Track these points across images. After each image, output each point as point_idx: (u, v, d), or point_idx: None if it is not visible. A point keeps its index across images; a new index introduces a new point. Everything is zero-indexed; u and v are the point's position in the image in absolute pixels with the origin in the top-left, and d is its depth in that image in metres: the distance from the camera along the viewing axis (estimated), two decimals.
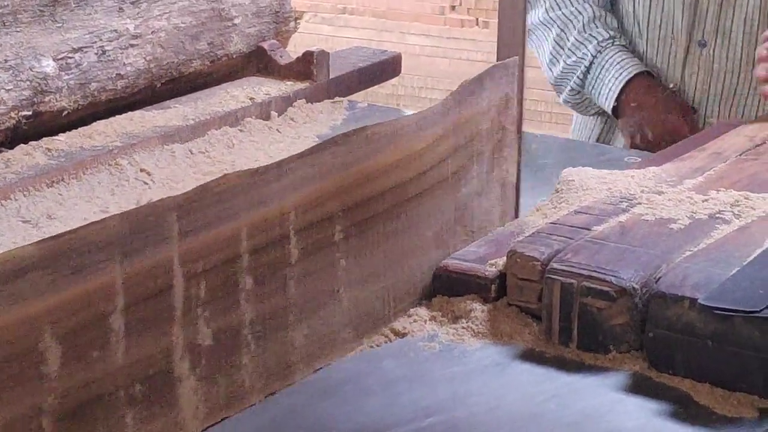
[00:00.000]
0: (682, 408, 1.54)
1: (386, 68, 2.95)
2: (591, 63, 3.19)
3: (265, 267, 1.58)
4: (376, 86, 3.08)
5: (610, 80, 3.12)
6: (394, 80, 3.19)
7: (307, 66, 2.64)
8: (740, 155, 2.22)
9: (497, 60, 2.14)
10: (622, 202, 1.94)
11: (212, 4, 2.57)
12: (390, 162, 1.84)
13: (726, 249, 1.74)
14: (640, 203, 1.92)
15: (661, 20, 3.17)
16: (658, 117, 3.08)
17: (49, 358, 1.20)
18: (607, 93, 3.14)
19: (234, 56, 2.66)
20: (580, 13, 3.20)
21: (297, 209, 1.61)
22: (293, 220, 1.64)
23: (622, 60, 3.15)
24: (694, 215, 1.86)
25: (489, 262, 1.87)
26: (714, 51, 3.12)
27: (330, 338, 1.73)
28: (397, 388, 1.61)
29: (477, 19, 7.49)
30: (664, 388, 1.58)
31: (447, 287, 1.87)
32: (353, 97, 2.83)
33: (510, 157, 2.26)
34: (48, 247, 1.17)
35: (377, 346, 1.73)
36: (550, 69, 3.31)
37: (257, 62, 2.69)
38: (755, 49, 2.96)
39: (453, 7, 7.61)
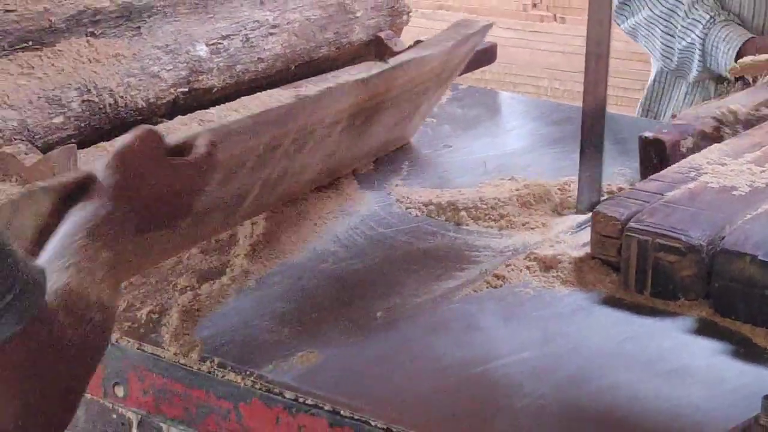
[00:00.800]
0: (743, 348, 1.66)
1: (484, 56, 3.02)
2: (702, 47, 3.22)
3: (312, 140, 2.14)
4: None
5: (722, 57, 3.14)
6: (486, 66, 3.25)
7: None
8: None
9: (586, 50, 2.27)
10: (690, 171, 2.04)
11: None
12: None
13: None
14: (706, 173, 2.03)
15: None
16: None
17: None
18: (724, 66, 3.13)
19: (355, 44, 2.74)
20: (679, 2, 3.25)
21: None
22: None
23: (727, 35, 3.15)
24: (753, 183, 1.96)
25: None
26: None
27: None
28: (497, 327, 1.75)
29: (555, 15, 7.85)
30: (726, 331, 1.71)
31: None
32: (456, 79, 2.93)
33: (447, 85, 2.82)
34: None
35: (480, 290, 1.84)
36: (668, 59, 3.36)
37: (375, 49, 2.76)
38: None
39: (534, 5, 7.84)
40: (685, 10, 3.25)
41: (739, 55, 3.06)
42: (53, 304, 1.31)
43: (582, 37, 2.43)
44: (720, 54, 3.15)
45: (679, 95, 3.49)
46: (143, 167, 1.55)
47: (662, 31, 3.32)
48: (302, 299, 1.86)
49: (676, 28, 3.28)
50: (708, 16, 3.20)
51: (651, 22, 3.33)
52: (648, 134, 2.38)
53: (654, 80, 3.60)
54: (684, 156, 2.24)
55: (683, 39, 3.26)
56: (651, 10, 3.32)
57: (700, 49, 3.21)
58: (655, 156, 2.29)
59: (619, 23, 3.37)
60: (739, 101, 2.64)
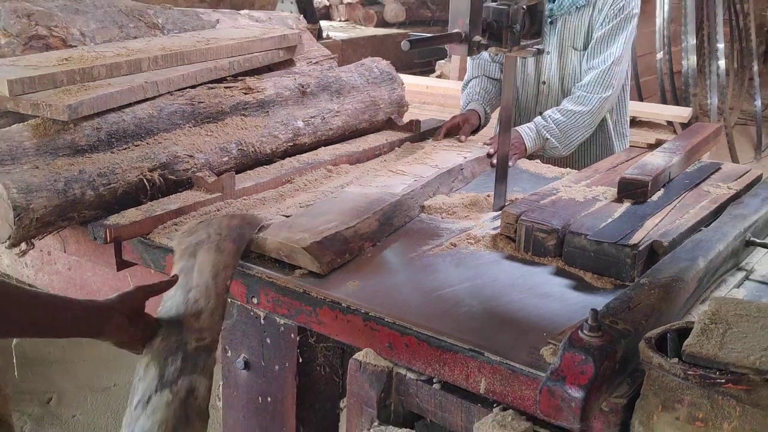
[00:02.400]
0: (579, 284, 1.72)
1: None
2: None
3: None
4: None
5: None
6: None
7: (411, 126, 2.71)
8: (607, 170, 2.27)
9: (500, 114, 2.21)
10: (553, 190, 2.06)
11: (371, 98, 2.64)
12: None
13: (600, 213, 1.88)
14: (561, 191, 2.04)
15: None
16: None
17: None
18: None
19: (379, 121, 2.71)
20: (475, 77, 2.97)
21: None
22: None
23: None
24: (586, 197, 2.00)
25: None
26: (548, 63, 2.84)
27: None
28: (451, 269, 1.78)
29: None
30: (571, 274, 1.76)
31: None
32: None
33: None
34: None
35: (442, 251, 1.87)
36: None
37: (390, 124, 2.74)
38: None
39: None
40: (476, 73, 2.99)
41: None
42: None
43: None
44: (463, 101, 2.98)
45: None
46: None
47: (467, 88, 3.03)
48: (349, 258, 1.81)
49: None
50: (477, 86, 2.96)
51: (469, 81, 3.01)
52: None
53: None
54: None
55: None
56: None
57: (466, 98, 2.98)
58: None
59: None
60: None
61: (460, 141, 2.69)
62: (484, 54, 2.85)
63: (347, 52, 6.92)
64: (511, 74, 2.11)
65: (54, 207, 1.80)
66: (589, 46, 2.74)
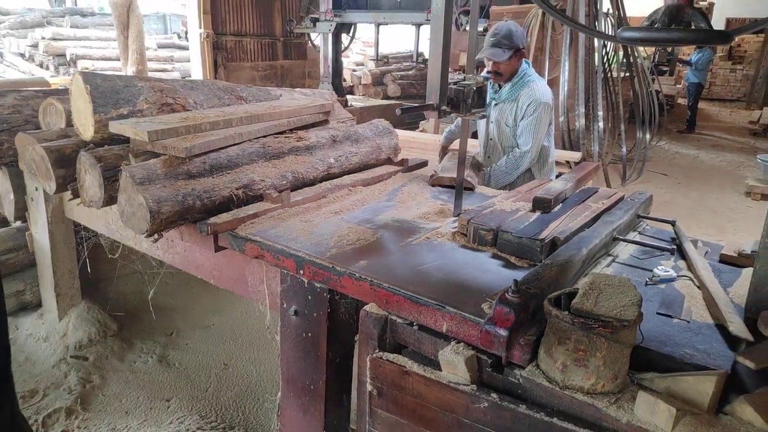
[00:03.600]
0: (507, 263, 1.69)
1: (423, 164, 2.74)
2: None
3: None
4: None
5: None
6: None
7: (403, 162, 2.66)
8: (526, 192, 2.17)
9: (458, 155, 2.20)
10: (491, 203, 2.01)
11: (376, 145, 2.58)
12: None
13: (521, 219, 1.85)
14: (496, 204, 2.00)
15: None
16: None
17: None
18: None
19: (382, 159, 2.63)
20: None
21: None
22: None
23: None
24: (512, 208, 1.96)
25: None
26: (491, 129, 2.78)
27: None
28: (425, 253, 1.74)
29: None
30: (502, 258, 1.72)
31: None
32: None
33: None
34: None
35: (421, 242, 1.84)
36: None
37: (389, 161, 2.67)
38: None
39: None
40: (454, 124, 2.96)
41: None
42: None
43: None
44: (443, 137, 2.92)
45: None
46: None
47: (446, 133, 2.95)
48: (361, 245, 1.80)
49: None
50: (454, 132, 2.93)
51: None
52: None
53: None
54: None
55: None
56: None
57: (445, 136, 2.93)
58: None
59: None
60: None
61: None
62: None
63: (364, 115, 6.91)
64: (466, 129, 2.08)
65: (175, 212, 1.81)
66: (519, 128, 2.68)
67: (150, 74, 9.01)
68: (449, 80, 1.88)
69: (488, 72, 2.61)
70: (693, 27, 1.25)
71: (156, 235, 1.91)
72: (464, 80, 1.90)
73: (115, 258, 2.94)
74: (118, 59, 7.04)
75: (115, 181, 1.91)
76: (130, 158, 1.98)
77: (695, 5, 13.67)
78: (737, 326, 1.31)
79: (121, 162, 1.95)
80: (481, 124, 2.85)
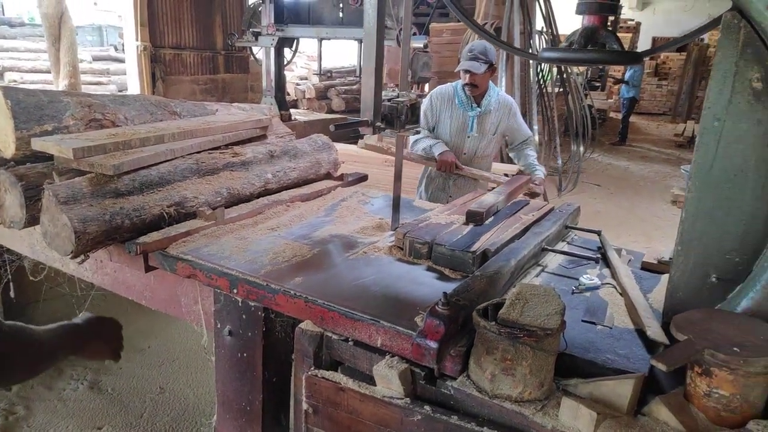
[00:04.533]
0: (441, 275, 1.71)
1: (363, 178, 2.74)
2: (430, 149, 2.91)
3: None
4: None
5: (436, 152, 2.89)
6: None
7: (342, 177, 2.65)
8: (461, 205, 2.19)
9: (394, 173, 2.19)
10: (427, 217, 2.03)
11: (315, 160, 2.56)
12: None
13: (455, 231, 1.87)
14: (431, 218, 2.01)
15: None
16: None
17: None
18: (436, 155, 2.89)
19: (322, 174, 2.61)
20: (422, 135, 2.96)
21: None
22: None
23: (437, 144, 2.89)
24: (447, 221, 1.98)
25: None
26: (476, 142, 2.94)
27: None
28: (363, 267, 1.74)
29: None
30: (437, 270, 1.73)
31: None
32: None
33: None
34: None
35: (359, 257, 1.84)
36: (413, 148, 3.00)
37: (328, 176, 2.65)
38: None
39: None
40: (425, 136, 2.97)
41: (441, 155, 2.88)
42: None
43: None
44: (435, 152, 2.91)
45: (430, 178, 3.13)
46: None
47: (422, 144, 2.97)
48: (297, 262, 1.78)
49: (420, 144, 2.97)
50: (431, 139, 2.96)
51: (416, 142, 2.98)
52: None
53: (423, 174, 3.18)
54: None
55: (425, 146, 2.95)
56: (416, 139, 3.00)
57: (428, 150, 2.94)
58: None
59: (410, 148, 3.02)
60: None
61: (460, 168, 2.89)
62: (422, 124, 2.97)
63: (308, 129, 6.82)
64: (401, 146, 2.08)
65: (102, 231, 1.74)
66: (514, 126, 2.97)
67: (84, 87, 8.66)
68: (384, 96, 1.90)
69: (464, 85, 2.80)
70: (607, 48, 1.30)
71: (82, 256, 1.83)
72: (398, 97, 1.92)
73: (41, 281, 2.79)
74: (49, 71, 6.73)
75: (38, 200, 1.82)
76: (54, 176, 1.89)
77: (620, 25, 14.35)
78: (655, 331, 1.38)
79: (45, 180, 1.86)
80: (448, 140, 2.96)
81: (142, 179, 1.93)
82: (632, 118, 12.14)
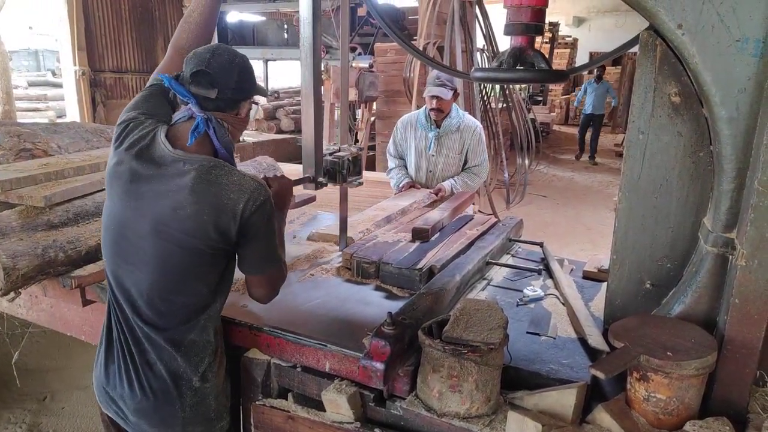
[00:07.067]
0: (390, 294, 1.71)
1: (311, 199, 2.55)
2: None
3: None
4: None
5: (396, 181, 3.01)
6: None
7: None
8: (407, 222, 2.21)
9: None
10: (374, 236, 2.04)
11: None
12: None
13: (401, 249, 1.88)
14: (378, 237, 2.02)
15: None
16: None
17: None
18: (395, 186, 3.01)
19: None
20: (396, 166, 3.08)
21: None
22: None
23: (402, 175, 3.01)
24: (393, 240, 1.99)
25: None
26: (435, 160, 2.98)
27: None
28: (312, 290, 1.72)
29: None
30: (385, 289, 1.74)
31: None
32: None
33: None
34: None
35: (307, 280, 1.81)
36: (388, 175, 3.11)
37: None
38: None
39: None
40: (396, 166, 3.08)
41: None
42: None
43: None
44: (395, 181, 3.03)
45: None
46: None
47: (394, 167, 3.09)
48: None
49: (392, 178, 3.08)
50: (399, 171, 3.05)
51: (389, 172, 3.10)
52: None
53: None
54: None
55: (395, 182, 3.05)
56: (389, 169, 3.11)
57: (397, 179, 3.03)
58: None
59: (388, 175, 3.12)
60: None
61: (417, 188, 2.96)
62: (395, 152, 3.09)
63: (257, 149, 6.75)
64: (344, 197, 2.03)
65: (35, 266, 1.67)
66: (470, 150, 2.99)
67: (20, 114, 8.32)
68: (325, 150, 1.90)
69: (431, 110, 2.91)
70: (536, 67, 1.36)
71: (13, 293, 1.74)
72: (339, 151, 1.92)
73: None
74: None
75: None
76: None
77: (558, 42, 14.88)
78: (596, 339, 1.41)
79: None
80: (413, 161, 3.07)
81: (77, 209, 1.86)
82: (571, 130, 12.57)
